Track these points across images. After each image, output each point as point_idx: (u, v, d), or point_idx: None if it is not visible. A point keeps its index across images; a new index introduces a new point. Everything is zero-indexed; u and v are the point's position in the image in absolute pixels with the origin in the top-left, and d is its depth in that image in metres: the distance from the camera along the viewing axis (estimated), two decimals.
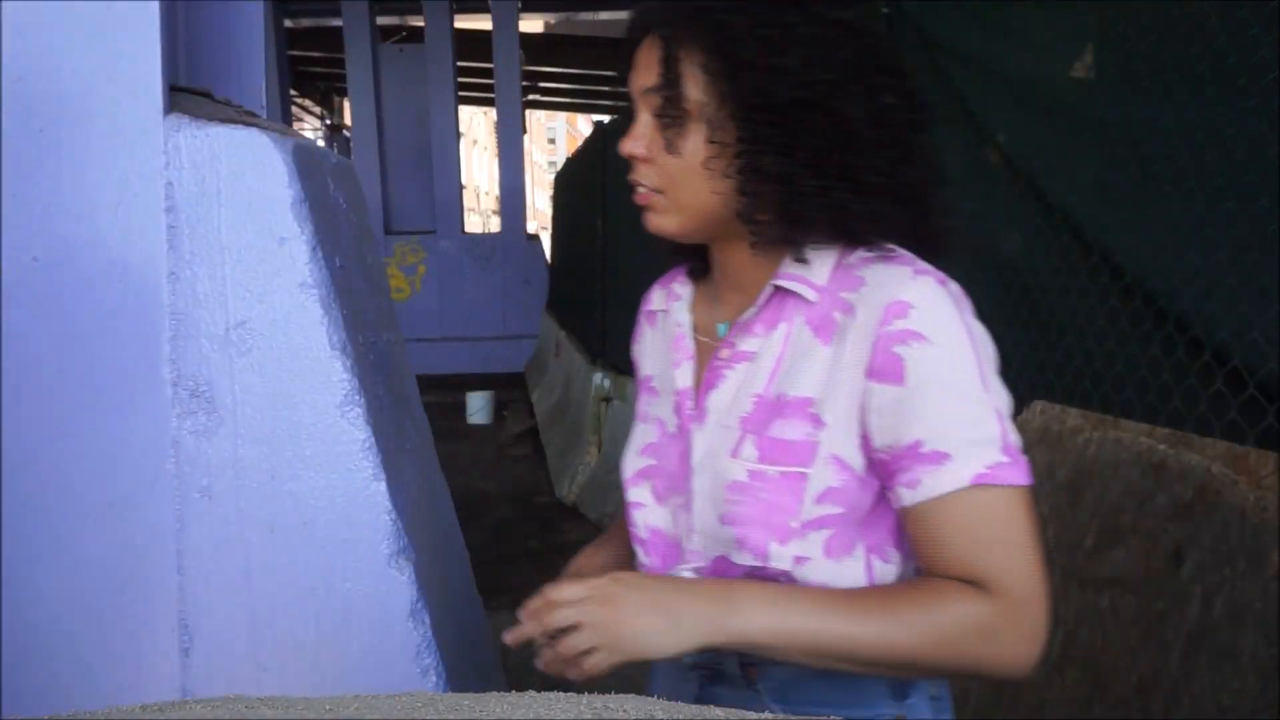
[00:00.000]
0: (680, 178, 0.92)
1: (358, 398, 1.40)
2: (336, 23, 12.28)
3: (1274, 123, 1.61)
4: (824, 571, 0.90)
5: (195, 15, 1.77)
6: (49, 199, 1.37)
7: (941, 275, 0.90)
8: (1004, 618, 0.83)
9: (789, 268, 0.94)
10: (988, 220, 2.40)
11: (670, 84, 0.90)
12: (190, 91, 1.55)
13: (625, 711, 0.41)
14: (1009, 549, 0.84)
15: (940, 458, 0.85)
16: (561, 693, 0.73)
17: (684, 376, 1.01)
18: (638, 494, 1.05)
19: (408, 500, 1.50)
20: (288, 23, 12.66)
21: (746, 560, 0.91)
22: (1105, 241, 2.03)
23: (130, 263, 1.38)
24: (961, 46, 2.46)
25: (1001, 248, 2.37)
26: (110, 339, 1.38)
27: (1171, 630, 1.63)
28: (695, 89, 0.90)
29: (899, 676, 0.92)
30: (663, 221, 0.96)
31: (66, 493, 1.39)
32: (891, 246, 0.92)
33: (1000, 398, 0.87)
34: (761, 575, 0.91)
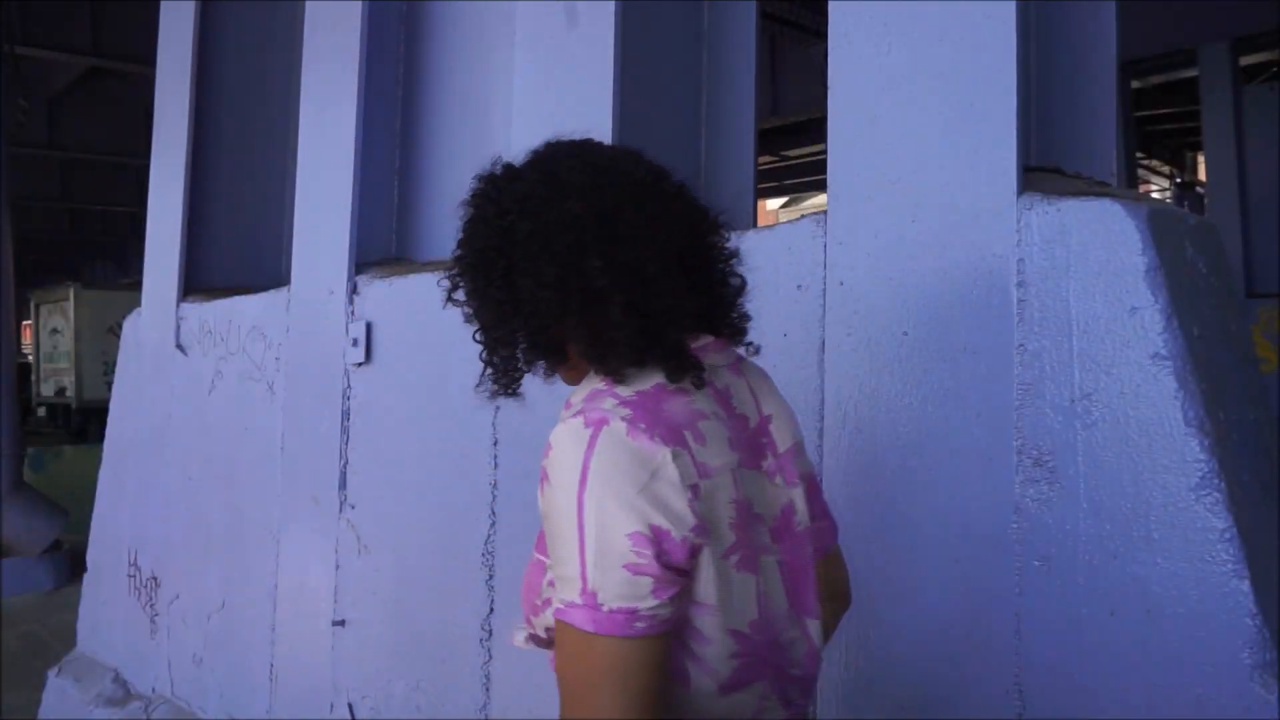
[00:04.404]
0: None
1: (1216, 481, 1.26)
2: (1189, 74, 11.45)
3: None
4: None
5: (1048, 94, 1.84)
6: (915, 279, 1.56)
7: (602, 416, 0.94)
8: None
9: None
10: None
11: None
12: (1042, 170, 1.61)
13: None
14: (568, 685, 0.92)
15: (554, 583, 0.96)
16: None
17: None
18: None
19: (1277, 605, 1.28)
20: (1134, 84, 12.24)
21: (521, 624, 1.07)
22: None
23: (983, 335, 1.48)
24: None
25: None
26: (963, 406, 1.49)
27: None
28: None
29: None
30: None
31: (918, 543, 1.54)
32: (610, 384, 1.01)
33: (599, 536, 0.90)
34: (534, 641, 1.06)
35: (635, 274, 0.97)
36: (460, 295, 1.05)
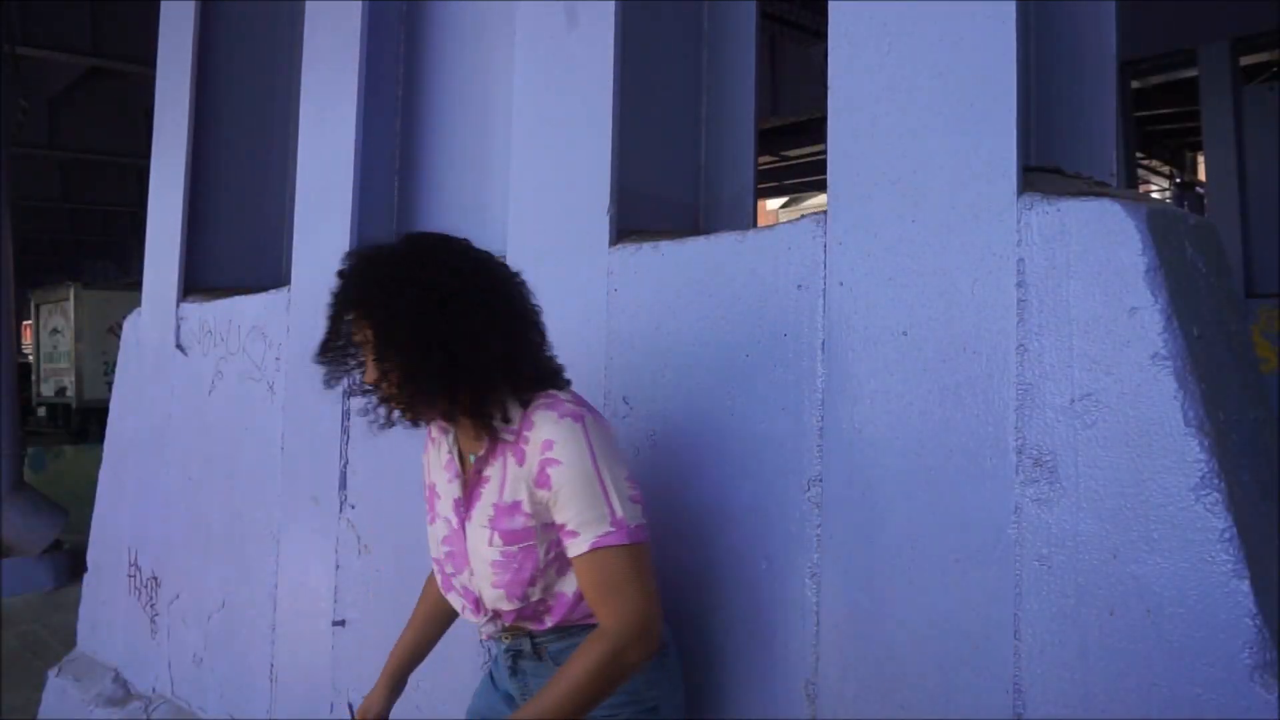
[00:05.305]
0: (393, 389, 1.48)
1: (1216, 481, 1.26)
2: (1189, 74, 11.46)
3: None
4: (565, 584, 1.52)
5: (1048, 94, 1.84)
6: (915, 279, 1.56)
7: (576, 411, 1.46)
8: (617, 643, 1.38)
9: (498, 422, 1.48)
10: None
11: (352, 338, 1.50)
12: (1042, 170, 1.61)
13: None
14: (613, 587, 1.41)
15: (571, 534, 1.44)
16: None
17: (455, 489, 1.58)
18: (445, 567, 1.62)
19: (1277, 605, 1.28)
20: (1134, 84, 12.25)
21: (514, 606, 1.52)
22: None
23: (983, 335, 1.48)
24: None
25: None
26: (963, 406, 1.49)
27: None
28: (366, 340, 1.47)
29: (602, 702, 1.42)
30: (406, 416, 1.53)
31: (918, 543, 1.54)
32: (551, 393, 1.50)
33: (614, 483, 1.43)
34: (526, 613, 1.53)
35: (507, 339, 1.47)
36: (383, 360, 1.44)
